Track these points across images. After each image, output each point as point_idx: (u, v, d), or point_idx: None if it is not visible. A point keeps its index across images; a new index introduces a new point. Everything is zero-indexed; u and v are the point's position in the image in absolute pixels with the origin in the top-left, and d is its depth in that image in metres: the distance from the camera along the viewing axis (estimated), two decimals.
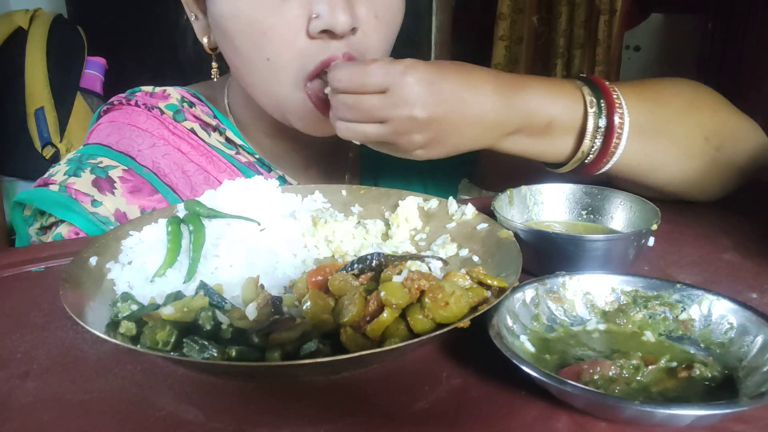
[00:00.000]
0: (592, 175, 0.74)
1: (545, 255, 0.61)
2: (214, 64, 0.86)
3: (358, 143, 0.68)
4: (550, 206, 0.72)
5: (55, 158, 2.10)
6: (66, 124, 2.16)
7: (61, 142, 2.14)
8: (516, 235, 0.61)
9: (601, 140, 0.70)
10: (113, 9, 2.34)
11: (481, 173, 1.03)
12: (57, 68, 2.15)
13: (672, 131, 0.74)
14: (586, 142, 0.70)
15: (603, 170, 0.73)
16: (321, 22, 0.70)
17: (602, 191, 0.70)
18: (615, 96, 0.69)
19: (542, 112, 0.68)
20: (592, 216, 0.71)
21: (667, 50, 2.98)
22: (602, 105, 0.69)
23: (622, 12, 2.62)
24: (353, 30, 0.72)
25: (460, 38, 2.86)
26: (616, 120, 0.69)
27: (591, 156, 0.71)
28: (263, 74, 0.75)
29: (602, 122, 0.69)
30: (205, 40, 0.83)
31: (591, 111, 0.69)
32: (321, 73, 0.73)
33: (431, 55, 2.62)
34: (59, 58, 2.17)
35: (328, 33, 0.71)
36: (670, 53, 2.96)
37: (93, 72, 2.26)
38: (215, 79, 0.88)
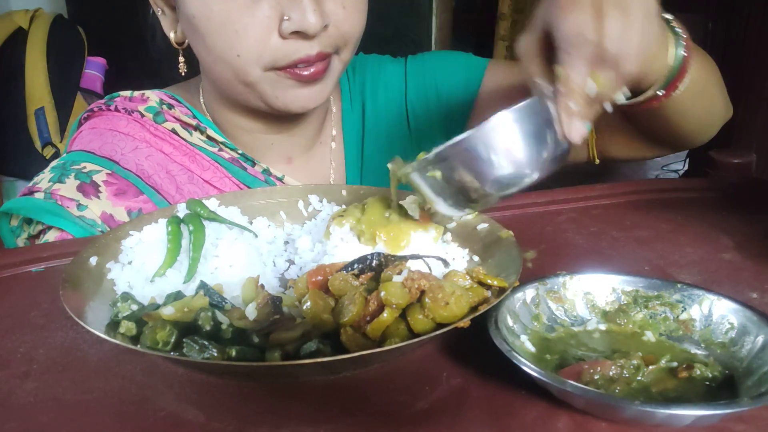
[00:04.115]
0: (668, 98, 0.71)
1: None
2: (181, 59, 0.87)
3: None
4: None
5: (56, 158, 2.09)
6: (66, 124, 2.16)
7: (61, 142, 2.14)
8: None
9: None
10: (113, 9, 2.34)
11: None
12: (57, 68, 2.15)
13: (706, 55, 0.79)
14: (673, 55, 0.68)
15: (681, 89, 0.71)
16: (292, 24, 0.72)
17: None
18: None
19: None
20: None
21: None
22: (680, 36, 0.69)
23: None
24: (324, 27, 0.74)
25: (460, 38, 2.86)
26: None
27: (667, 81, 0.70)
28: (234, 68, 0.78)
29: (681, 52, 0.68)
30: (172, 35, 0.85)
31: (672, 42, 0.68)
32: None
33: None
34: (59, 58, 2.17)
35: (300, 34, 0.73)
36: None
37: (93, 72, 2.26)
38: (182, 74, 0.90)
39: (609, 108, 0.57)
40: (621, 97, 0.58)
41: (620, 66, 0.55)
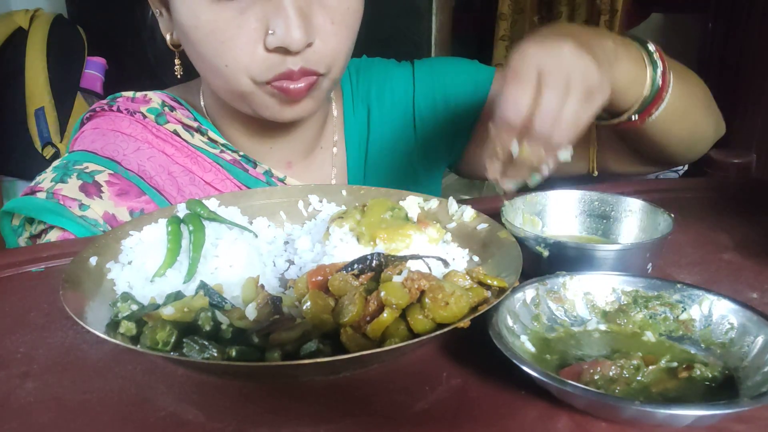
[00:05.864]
0: (643, 124, 0.77)
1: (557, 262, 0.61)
2: (177, 61, 0.87)
3: None
4: (558, 215, 0.72)
5: (56, 158, 2.09)
6: (66, 124, 2.16)
7: (61, 142, 2.14)
8: (526, 242, 0.61)
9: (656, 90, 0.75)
10: (113, 9, 2.34)
11: (463, 164, 1.06)
12: (57, 68, 2.15)
13: (691, 78, 0.84)
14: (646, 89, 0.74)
15: (655, 115, 0.77)
16: (276, 39, 0.71)
17: (615, 198, 0.70)
18: (665, 57, 0.77)
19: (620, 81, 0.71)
20: (600, 224, 0.71)
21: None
22: (657, 67, 0.75)
23: (623, 12, 2.62)
24: (309, 44, 0.73)
25: (460, 38, 2.86)
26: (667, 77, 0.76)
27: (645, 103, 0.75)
28: (224, 77, 0.77)
29: (657, 81, 0.75)
30: (168, 37, 0.84)
31: (649, 73, 0.74)
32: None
33: (431, 55, 2.62)
34: (59, 58, 2.16)
35: (284, 49, 0.72)
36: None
37: (93, 72, 2.26)
38: (178, 76, 0.89)
39: (545, 172, 0.62)
40: (566, 156, 0.62)
41: (550, 141, 0.59)
